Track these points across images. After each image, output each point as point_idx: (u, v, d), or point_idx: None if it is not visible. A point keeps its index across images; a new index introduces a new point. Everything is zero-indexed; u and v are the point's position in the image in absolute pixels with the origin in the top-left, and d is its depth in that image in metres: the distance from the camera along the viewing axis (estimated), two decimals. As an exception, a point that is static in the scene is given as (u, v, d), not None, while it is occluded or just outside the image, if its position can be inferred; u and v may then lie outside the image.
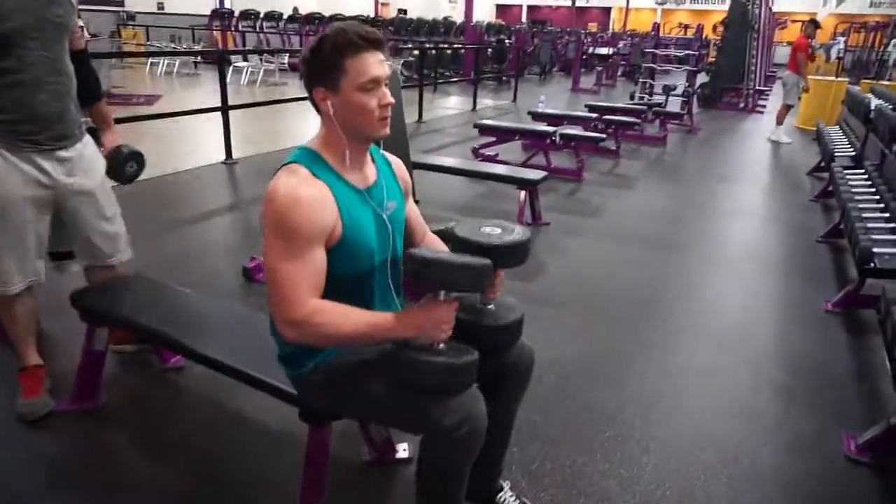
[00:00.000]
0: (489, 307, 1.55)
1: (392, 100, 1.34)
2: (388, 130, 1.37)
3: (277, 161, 1.41)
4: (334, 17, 15.62)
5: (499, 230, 1.51)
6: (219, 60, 5.77)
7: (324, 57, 1.28)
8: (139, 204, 4.29)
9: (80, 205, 2.07)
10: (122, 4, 16.55)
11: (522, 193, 4.05)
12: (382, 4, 24.34)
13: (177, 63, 13.02)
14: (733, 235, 4.62)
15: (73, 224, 2.10)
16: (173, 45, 13.43)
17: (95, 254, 2.17)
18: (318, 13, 16.11)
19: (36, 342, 2.17)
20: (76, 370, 2.12)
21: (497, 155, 6.12)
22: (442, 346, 1.34)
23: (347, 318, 1.29)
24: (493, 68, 14.40)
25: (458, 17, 25.43)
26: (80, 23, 2.19)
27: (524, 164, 5.80)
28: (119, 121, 5.36)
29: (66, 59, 1.97)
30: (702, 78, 11.77)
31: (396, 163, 1.57)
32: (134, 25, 15.91)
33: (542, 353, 2.57)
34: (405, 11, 24.58)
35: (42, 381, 2.13)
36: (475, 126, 5.98)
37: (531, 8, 31.91)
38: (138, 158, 2.31)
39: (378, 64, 1.30)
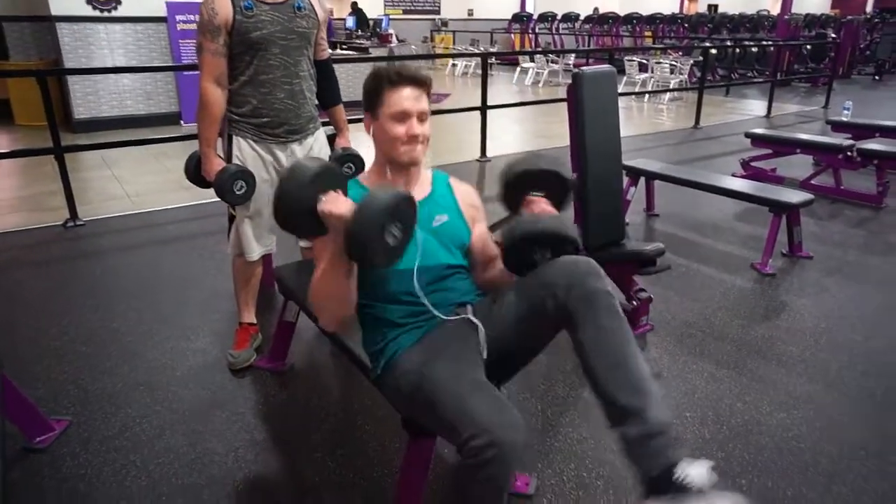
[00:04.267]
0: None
1: (419, 131, 1.50)
2: (412, 157, 1.53)
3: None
4: (629, 17, 15.13)
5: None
6: (483, 61, 6.04)
7: (371, 87, 1.53)
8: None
9: None
10: (438, 12, 18.45)
11: (775, 219, 3.40)
12: (690, 1, 22.71)
13: (472, 64, 14.05)
14: None
15: None
16: (472, 48, 14.52)
17: None
18: (614, 13, 15.75)
19: (255, 304, 2.56)
20: (272, 336, 2.45)
21: (774, 170, 5.27)
22: None
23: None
24: (809, 68, 12.41)
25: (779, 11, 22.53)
26: (324, 35, 2.47)
27: (805, 183, 4.88)
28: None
29: (304, 64, 2.26)
30: None
31: (462, 190, 1.70)
32: (445, 31, 17.61)
33: (733, 417, 2.17)
34: (716, 7, 22.61)
35: (251, 338, 2.50)
36: (746, 135, 5.22)
37: (882, -6, 26.44)
38: (356, 161, 2.51)
39: (411, 99, 1.49)
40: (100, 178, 5.20)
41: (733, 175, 5.01)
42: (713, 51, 11.52)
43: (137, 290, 3.14)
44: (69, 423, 2.08)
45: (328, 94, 2.46)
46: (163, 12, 7.07)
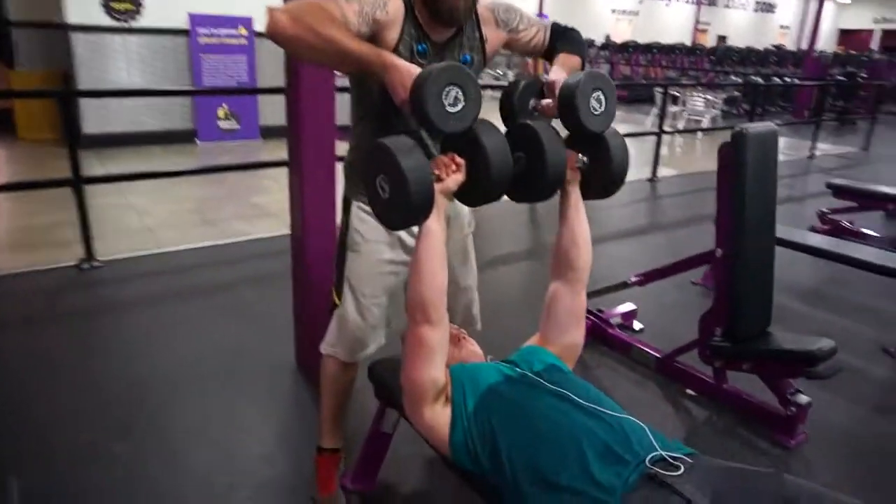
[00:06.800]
0: None
1: None
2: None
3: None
4: (650, 46, 14.87)
5: None
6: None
7: None
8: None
9: None
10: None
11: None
12: (700, 31, 22.59)
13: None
14: None
15: None
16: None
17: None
18: (633, 41, 15.49)
19: (344, 421, 1.94)
20: (361, 449, 1.93)
21: (853, 223, 4.84)
22: None
23: None
24: (835, 106, 12.13)
25: (789, 45, 22.48)
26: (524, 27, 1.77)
27: (896, 244, 4.46)
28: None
29: None
30: None
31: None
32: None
33: None
34: (724, 38, 22.51)
35: (338, 472, 1.90)
36: (829, 186, 4.80)
37: (888, 33, 26.54)
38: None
39: None
40: (114, 207, 4.67)
41: (812, 229, 4.59)
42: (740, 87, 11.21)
43: (175, 363, 2.60)
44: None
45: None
46: (185, 24, 6.60)
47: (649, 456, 1.18)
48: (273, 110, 7.09)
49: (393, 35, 1.42)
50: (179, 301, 3.21)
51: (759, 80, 10.37)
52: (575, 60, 1.58)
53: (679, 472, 1.13)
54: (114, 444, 2.08)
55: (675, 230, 5.00)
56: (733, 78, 11.96)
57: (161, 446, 2.08)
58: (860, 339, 3.11)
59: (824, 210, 4.85)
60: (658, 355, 2.67)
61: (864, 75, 12.26)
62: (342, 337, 1.74)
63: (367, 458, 1.93)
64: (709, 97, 9.67)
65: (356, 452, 1.94)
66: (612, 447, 1.20)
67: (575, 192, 1.54)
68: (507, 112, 1.53)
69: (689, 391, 2.56)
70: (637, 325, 3.14)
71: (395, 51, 1.41)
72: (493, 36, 1.57)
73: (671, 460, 1.17)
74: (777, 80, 10.93)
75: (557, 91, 1.39)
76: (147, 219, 4.50)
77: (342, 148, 1.91)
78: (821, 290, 3.77)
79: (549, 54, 1.63)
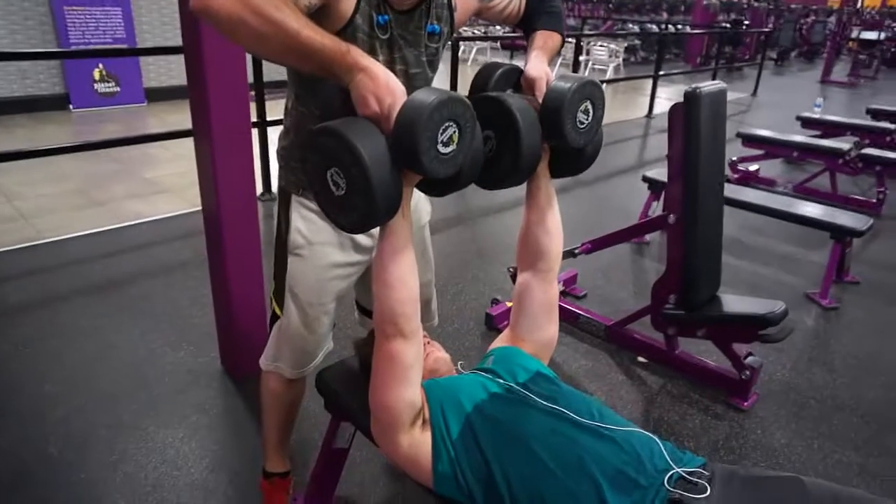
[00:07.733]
0: None
1: None
2: None
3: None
4: None
5: None
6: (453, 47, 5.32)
7: None
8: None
9: None
10: None
11: (837, 246, 3.06)
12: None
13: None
14: None
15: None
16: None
17: None
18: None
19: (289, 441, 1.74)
20: (313, 468, 1.72)
21: (758, 171, 5.04)
22: None
23: None
24: (724, 53, 12.66)
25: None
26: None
27: (800, 189, 4.68)
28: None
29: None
30: None
31: None
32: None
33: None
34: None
35: (287, 498, 1.71)
36: (738, 135, 4.93)
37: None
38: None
39: None
40: (-25, 190, 4.02)
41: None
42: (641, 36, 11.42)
43: (72, 381, 2.23)
44: None
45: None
46: (41, -28, 5.73)
47: (667, 476, 1.06)
48: (159, 70, 6.37)
49: (349, 2, 1.13)
50: (70, 302, 2.78)
51: (655, 28, 10.59)
52: (556, 40, 1.37)
53: (706, 495, 1.02)
54: (5, 498, 1.74)
55: (597, 184, 4.98)
56: (631, 26, 12.16)
57: (66, 490, 1.76)
58: (785, 288, 3.21)
59: (734, 159, 5.00)
60: (608, 324, 2.61)
61: (748, 22, 12.85)
62: (286, 351, 1.50)
63: (321, 477, 1.71)
64: (612, 46, 9.75)
65: (308, 468, 1.73)
66: (624, 471, 1.06)
67: (545, 174, 1.35)
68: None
69: (640, 358, 2.52)
70: (580, 291, 3.08)
71: (352, 22, 1.14)
72: (462, 2, 1.30)
73: (689, 477, 1.06)
74: (674, 28, 11.20)
75: (541, 94, 1.21)
76: (19, 203, 3.90)
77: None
78: (740, 239, 3.86)
79: (524, 26, 1.41)
